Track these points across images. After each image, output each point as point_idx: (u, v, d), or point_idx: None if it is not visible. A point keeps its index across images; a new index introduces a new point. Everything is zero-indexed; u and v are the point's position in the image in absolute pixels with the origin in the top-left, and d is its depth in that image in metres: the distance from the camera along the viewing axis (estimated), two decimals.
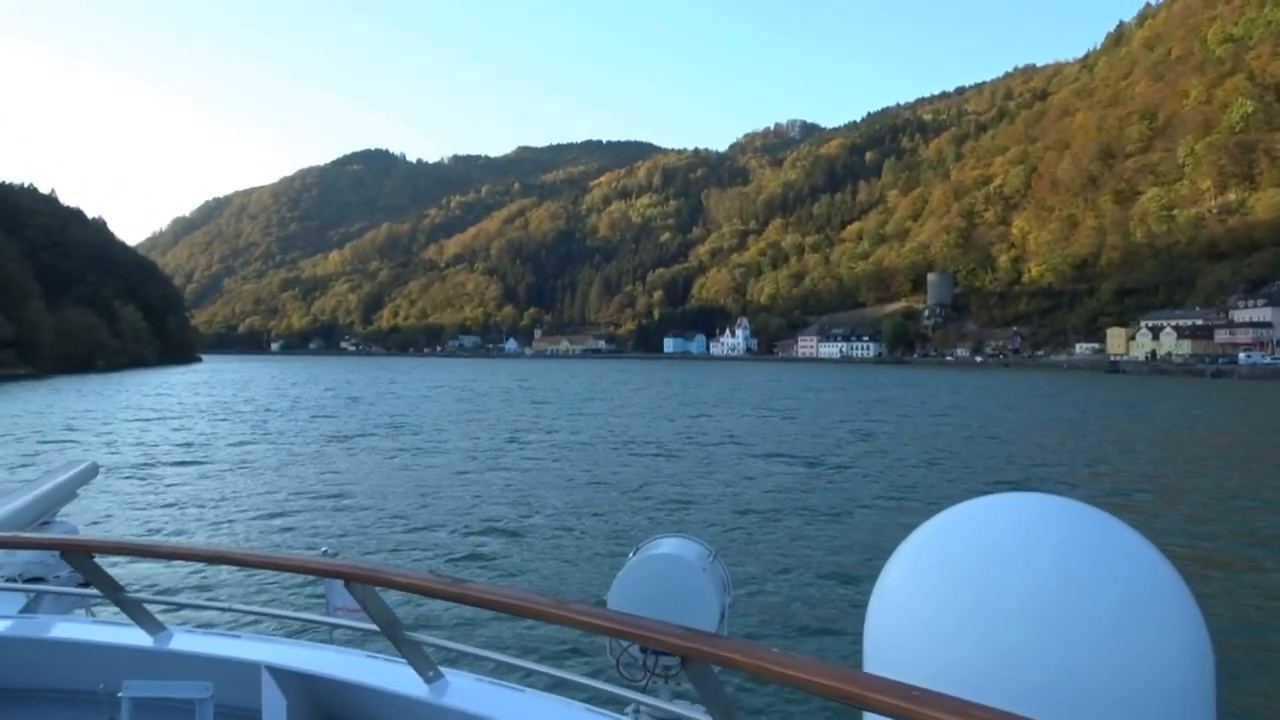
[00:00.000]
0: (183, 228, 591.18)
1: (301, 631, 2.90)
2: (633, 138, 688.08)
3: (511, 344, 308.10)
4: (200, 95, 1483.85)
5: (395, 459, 26.06)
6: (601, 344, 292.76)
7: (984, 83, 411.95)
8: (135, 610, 2.75)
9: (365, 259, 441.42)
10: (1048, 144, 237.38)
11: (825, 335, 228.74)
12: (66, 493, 4.20)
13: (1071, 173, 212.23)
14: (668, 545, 2.38)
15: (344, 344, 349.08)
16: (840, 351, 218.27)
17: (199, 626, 2.84)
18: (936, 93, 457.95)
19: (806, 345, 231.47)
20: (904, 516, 16.61)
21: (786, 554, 13.56)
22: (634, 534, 14.16)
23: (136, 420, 40.93)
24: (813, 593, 11.38)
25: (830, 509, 17.80)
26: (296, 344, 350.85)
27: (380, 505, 17.94)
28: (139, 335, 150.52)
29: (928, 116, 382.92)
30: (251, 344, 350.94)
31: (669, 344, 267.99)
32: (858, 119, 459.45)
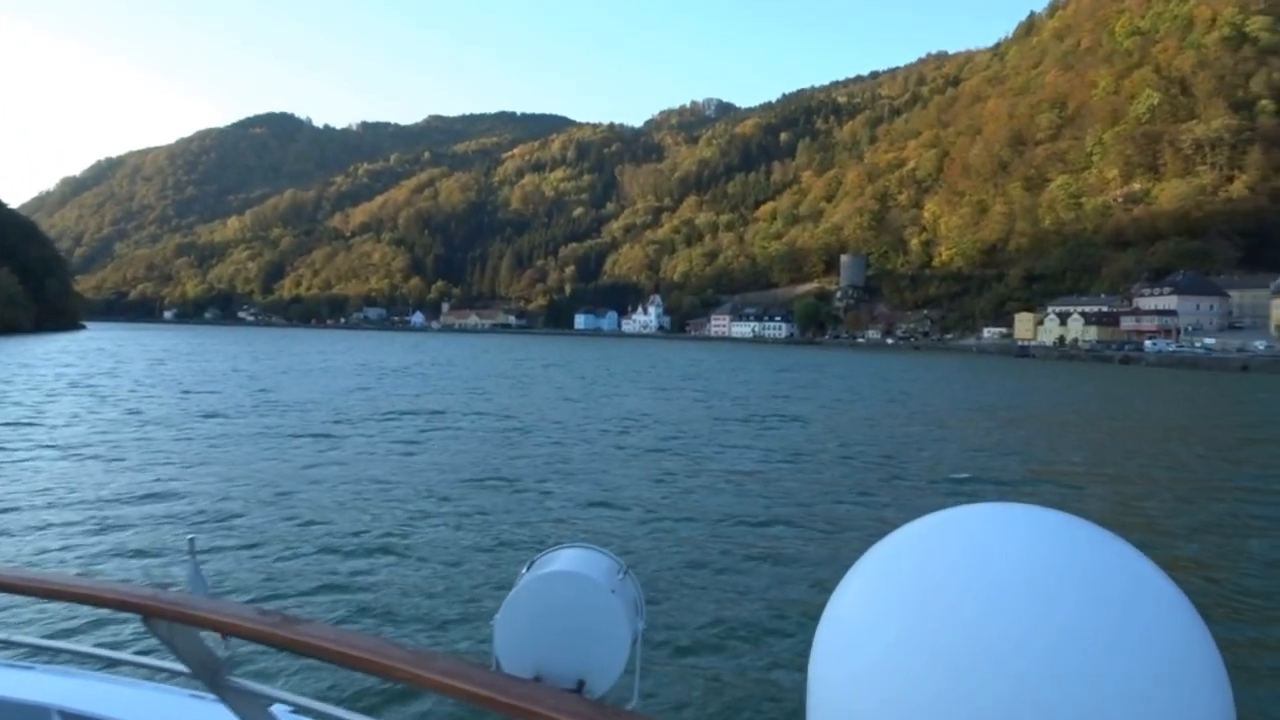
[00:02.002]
0: (72, 188, 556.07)
1: (110, 666, 2.54)
2: (547, 110, 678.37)
3: (418, 317, 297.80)
4: (91, 40, 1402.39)
5: (253, 448, 21.27)
6: (512, 319, 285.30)
7: (898, 68, 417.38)
8: None
9: (266, 226, 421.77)
10: (960, 129, 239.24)
11: (738, 314, 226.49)
12: None
13: (982, 158, 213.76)
14: (568, 558, 2.02)
15: (242, 314, 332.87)
16: (753, 331, 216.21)
17: None
18: (851, 76, 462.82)
19: (719, 324, 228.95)
20: (851, 519, 14.72)
21: (713, 567, 11.34)
22: (528, 544, 12.08)
23: None
24: (748, 617, 9.34)
25: (765, 511, 15.11)
26: (191, 313, 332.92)
27: (220, 507, 14.46)
28: (12, 300, 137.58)
29: (842, 99, 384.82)
30: (143, 312, 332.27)
31: (580, 320, 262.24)
32: (773, 99, 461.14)
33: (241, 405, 32.49)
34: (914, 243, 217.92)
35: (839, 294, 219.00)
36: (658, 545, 12.47)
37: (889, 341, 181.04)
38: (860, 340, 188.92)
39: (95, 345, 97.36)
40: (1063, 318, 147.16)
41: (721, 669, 7.97)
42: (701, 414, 33.65)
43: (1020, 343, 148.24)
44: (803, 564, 11.55)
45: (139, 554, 11.31)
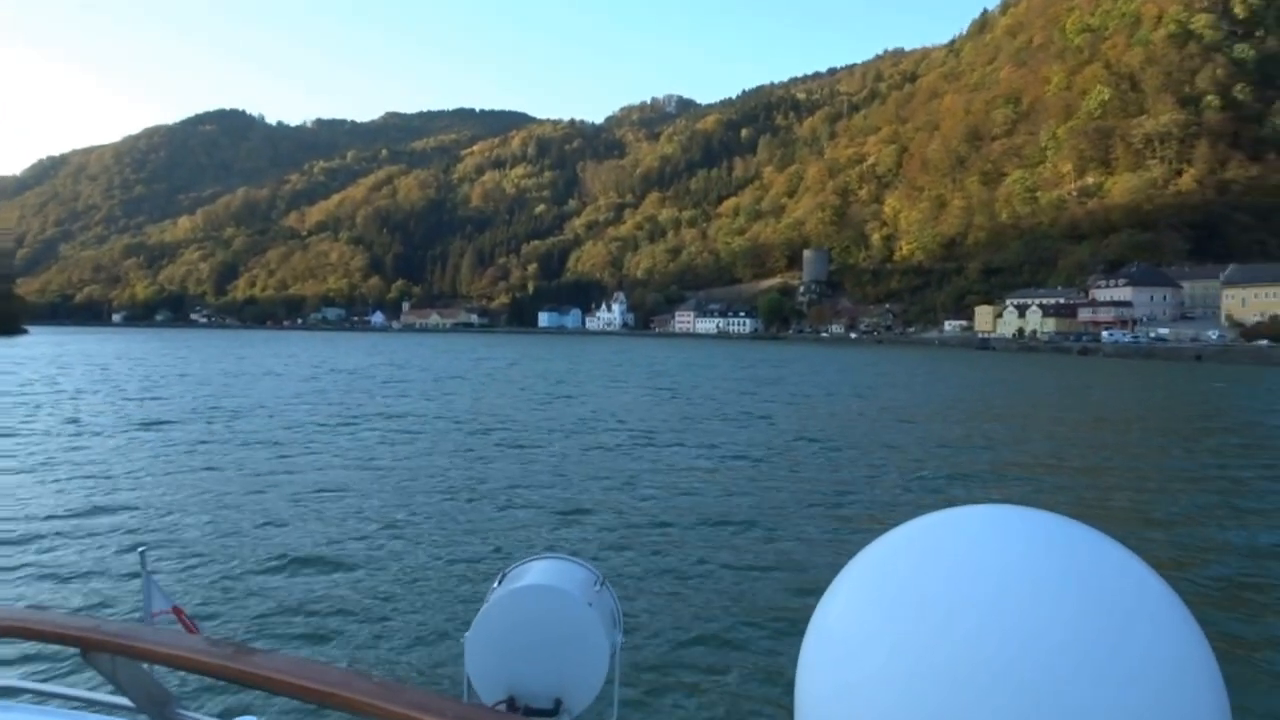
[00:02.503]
0: (12, 188, 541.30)
1: (43, 700, 2.16)
2: (507, 107, 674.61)
3: (378, 317, 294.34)
4: (31, 40, 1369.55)
5: (199, 459, 20.10)
6: (474, 318, 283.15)
7: (855, 64, 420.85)
8: None
9: (219, 225, 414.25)
10: (918, 125, 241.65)
11: (702, 310, 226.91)
12: None
13: (940, 154, 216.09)
14: (541, 571, 1.91)
15: (195, 316, 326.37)
16: (717, 327, 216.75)
17: None
18: (809, 73, 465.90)
19: (684, 320, 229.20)
20: (832, 521, 14.27)
21: (694, 575, 10.92)
22: (499, 556, 11.55)
23: None
24: (732, 627, 9.00)
25: (745, 514, 14.63)
26: (141, 315, 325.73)
27: (165, 522, 13.61)
28: None
29: (801, 95, 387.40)
30: (91, 315, 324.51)
31: (544, 318, 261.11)
32: (733, 96, 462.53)
33: (186, 412, 31.50)
34: (875, 237, 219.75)
35: (802, 289, 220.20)
36: (635, 553, 12.00)
37: (852, 336, 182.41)
38: (824, 335, 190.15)
39: (36, 350, 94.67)
40: (1021, 310, 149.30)
41: (705, 683, 7.71)
42: (671, 413, 33.36)
43: (981, 335, 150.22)
44: (787, 570, 11.24)
45: (84, 573, 10.66)
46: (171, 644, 1.53)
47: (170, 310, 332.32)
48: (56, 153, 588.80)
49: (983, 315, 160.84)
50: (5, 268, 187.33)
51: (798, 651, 0.88)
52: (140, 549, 2.60)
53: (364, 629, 8.89)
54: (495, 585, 1.83)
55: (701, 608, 9.64)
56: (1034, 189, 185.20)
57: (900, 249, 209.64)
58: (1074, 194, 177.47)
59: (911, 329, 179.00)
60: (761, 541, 12.78)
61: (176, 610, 2.94)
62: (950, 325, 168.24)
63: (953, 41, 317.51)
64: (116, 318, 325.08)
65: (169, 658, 1.52)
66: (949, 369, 75.29)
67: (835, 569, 0.87)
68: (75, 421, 28.09)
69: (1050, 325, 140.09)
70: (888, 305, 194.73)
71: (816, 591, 0.86)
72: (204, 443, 22.88)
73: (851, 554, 0.87)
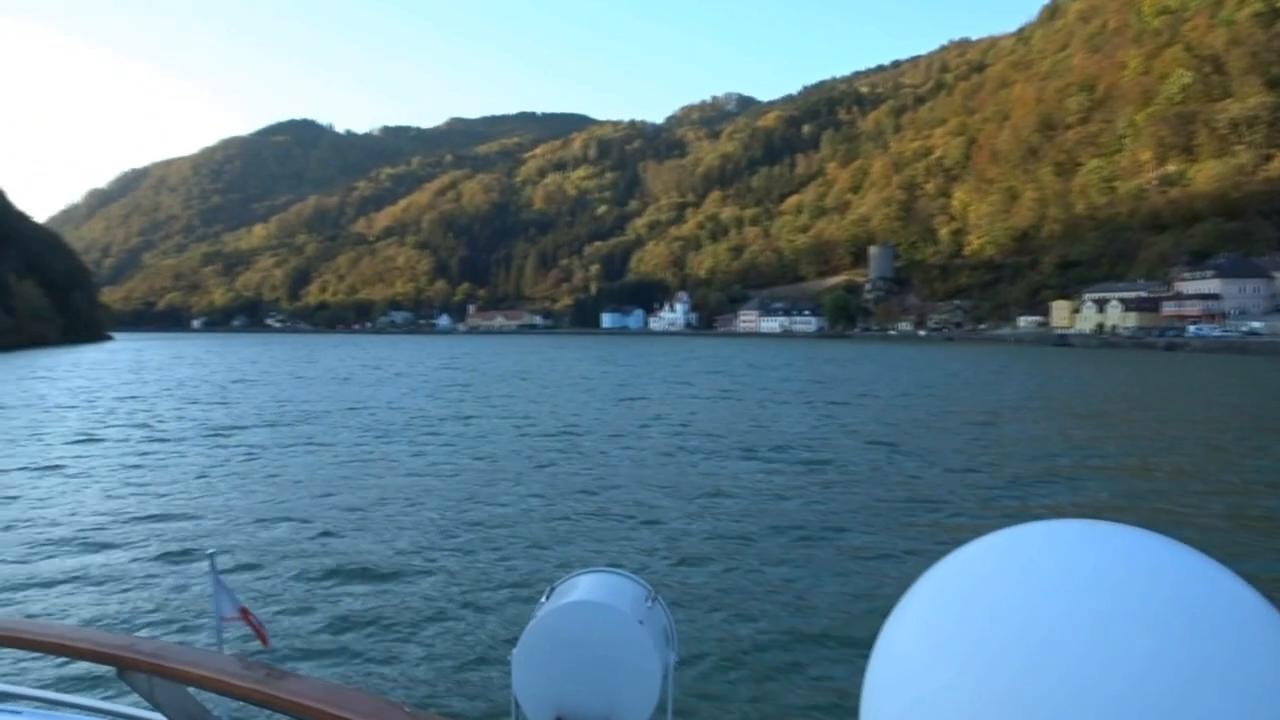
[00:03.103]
0: (98, 200, 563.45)
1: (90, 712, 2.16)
2: (568, 109, 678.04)
3: (444, 320, 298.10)
4: (118, 45, 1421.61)
5: (257, 462, 20.21)
6: (538, 319, 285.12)
7: (919, 56, 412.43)
8: None
9: (291, 232, 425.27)
10: (986, 116, 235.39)
11: (766, 309, 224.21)
12: None
13: (1011, 144, 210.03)
14: (591, 585, 1.84)
15: (270, 320, 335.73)
16: (781, 326, 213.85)
17: None
18: (872, 66, 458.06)
19: (747, 319, 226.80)
20: (905, 533, 13.21)
21: (753, 590, 10.30)
22: (548, 569, 11.18)
23: None
24: (792, 647, 8.51)
25: (811, 526, 13.65)
26: (219, 321, 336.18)
27: (219, 526, 13.66)
28: (38, 313, 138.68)
29: (864, 89, 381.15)
30: (172, 321, 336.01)
31: (606, 319, 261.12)
32: (794, 92, 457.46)
33: (254, 417, 31.80)
34: (943, 232, 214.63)
35: (868, 286, 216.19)
36: (690, 566, 11.37)
37: (921, 333, 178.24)
38: (892, 332, 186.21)
39: (118, 357, 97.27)
40: (1100, 304, 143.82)
41: (765, 706, 7.27)
42: (734, 416, 32.23)
43: (1057, 331, 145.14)
44: (853, 585, 10.53)
45: (152, 575, 10.84)
46: (203, 665, 1.53)
47: (246, 315, 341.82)
48: (139, 165, 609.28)
49: (1059, 310, 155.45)
50: (88, 280, 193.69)
51: (864, 672, 0.83)
52: (210, 552, 2.68)
53: (413, 643, 8.68)
54: (543, 600, 1.79)
55: (761, 625, 9.13)
56: (1111, 178, 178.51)
57: (970, 243, 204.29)
58: (1154, 183, 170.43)
59: (983, 326, 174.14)
60: (827, 554, 12.00)
61: (244, 612, 2.96)
62: (1024, 321, 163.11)
63: (1022, 29, 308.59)
64: (196, 323, 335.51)
65: (200, 679, 1.51)
66: (1026, 367, 72.45)
67: (904, 584, 0.83)
68: (146, 426, 28.37)
69: (1132, 320, 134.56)
70: (957, 301, 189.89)
71: (884, 608, 0.82)
72: (266, 448, 22.84)
73: (922, 569, 0.82)
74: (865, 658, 0.80)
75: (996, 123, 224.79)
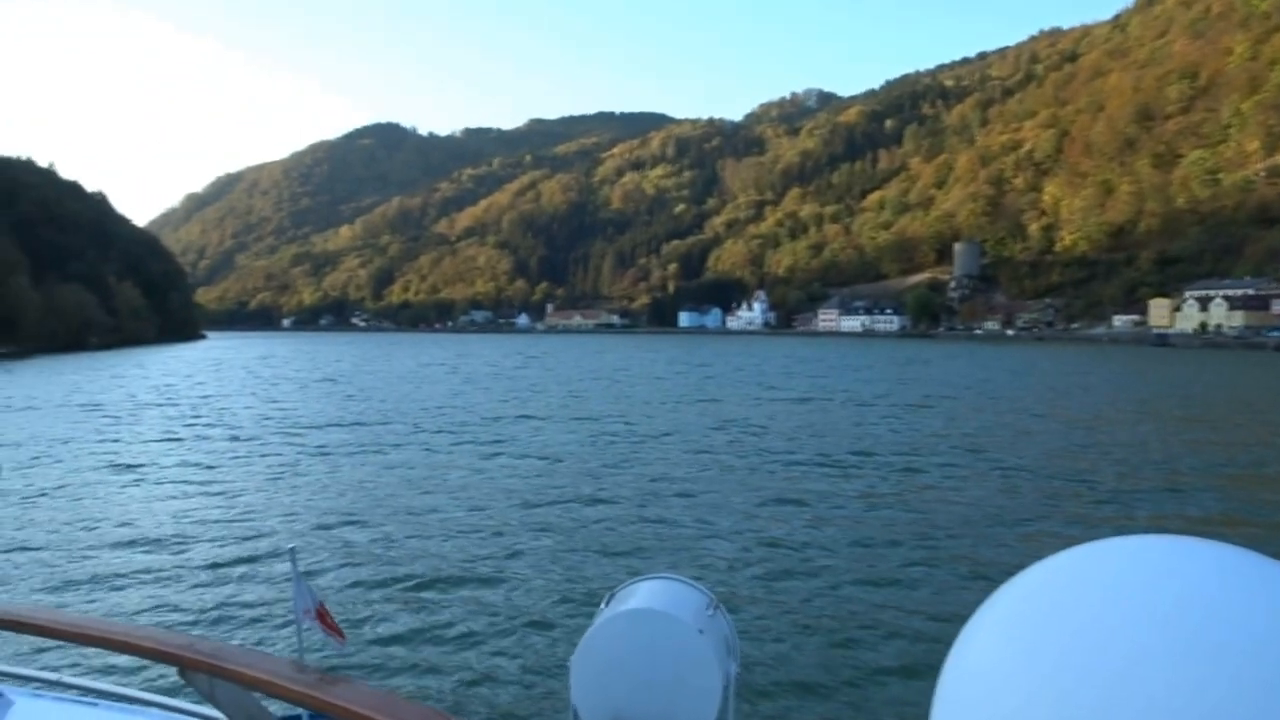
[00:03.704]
0: (195, 204, 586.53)
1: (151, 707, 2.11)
2: (646, 108, 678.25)
3: (523, 319, 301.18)
4: (217, 51, 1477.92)
5: (330, 461, 20.60)
6: (615, 318, 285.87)
7: (1007, 47, 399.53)
8: None
9: (376, 233, 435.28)
10: (1079, 107, 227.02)
11: (846, 308, 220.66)
12: None
13: (1106, 136, 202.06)
14: (650, 592, 1.80)
15: (354, 320, 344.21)
16: (862, 325, 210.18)
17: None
18: (957, 59, 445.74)
19: (827, 318, 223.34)
20: (991, 549, 12.45)
21: (820, 600, 10.04)
22: (608, 574, 10.96)
23: (78, 406, 33.95)
24: (860, 659, 8.28)
25: (883, 534, 13.19)
26: (307, 320, 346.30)
27: (289, 527, 13.79)
28: (136, 313, 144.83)
29: (949, 82, 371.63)
30: (263, 320, 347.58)
31: (684, 318, 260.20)
32: (876, 87, 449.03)
33: (339, 413, 32.67)
34: (1033, 228, 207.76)
35: (953, 284, 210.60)
36: (754, 572, 11.07)
37: (1009, 333, 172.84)
38: (977, 332, 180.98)
39: (210, 354, 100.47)
40: (1203, 303, 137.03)
41: None
42: (812, 419, 31.48)
43: (1156, 331, 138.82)
44: (926, 597, 10.12)
45: (235, 574, 11.14)
46: (258, 666, 1.55)
47: (333, 315, 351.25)
48: (234, 170, 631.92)
49: (1158, 309, 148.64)
50: (184, 281, 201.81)
51: (934, 688, 0.69)
52: (290, 548, 2.69)
53: (473, 646, 8.70)
54: (602, 607, 1.74)
55: (827, 636, 8.88)
56: (1215, 170, 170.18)
57: (1061, 239, 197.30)
58: (1262, 174, 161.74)
59: (1075, 325, 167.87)
60: (900, 564, 11.48)
61: (320, 611, 2.95)
62: (1120, 321, 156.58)
63: (1118, 16, 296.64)
64: (286, 322, 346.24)
65: (255, 680, 1.53)
66: (1124, 368, 69.32)
67: (980, 598, 0.80)
68: (223, 425, 28.88)
69: (1238, 319, 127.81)
70: (1048, 300, 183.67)
71: (958, 622, 0.79)
72: (340, 448, 22.80)
73: (998, 582, 0.78)
74: (937, 671, 0.79)
75: (1090, 114, 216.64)
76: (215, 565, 11.44)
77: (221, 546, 12.41)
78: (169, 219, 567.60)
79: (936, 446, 22.71)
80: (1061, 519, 14.19)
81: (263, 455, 21.59)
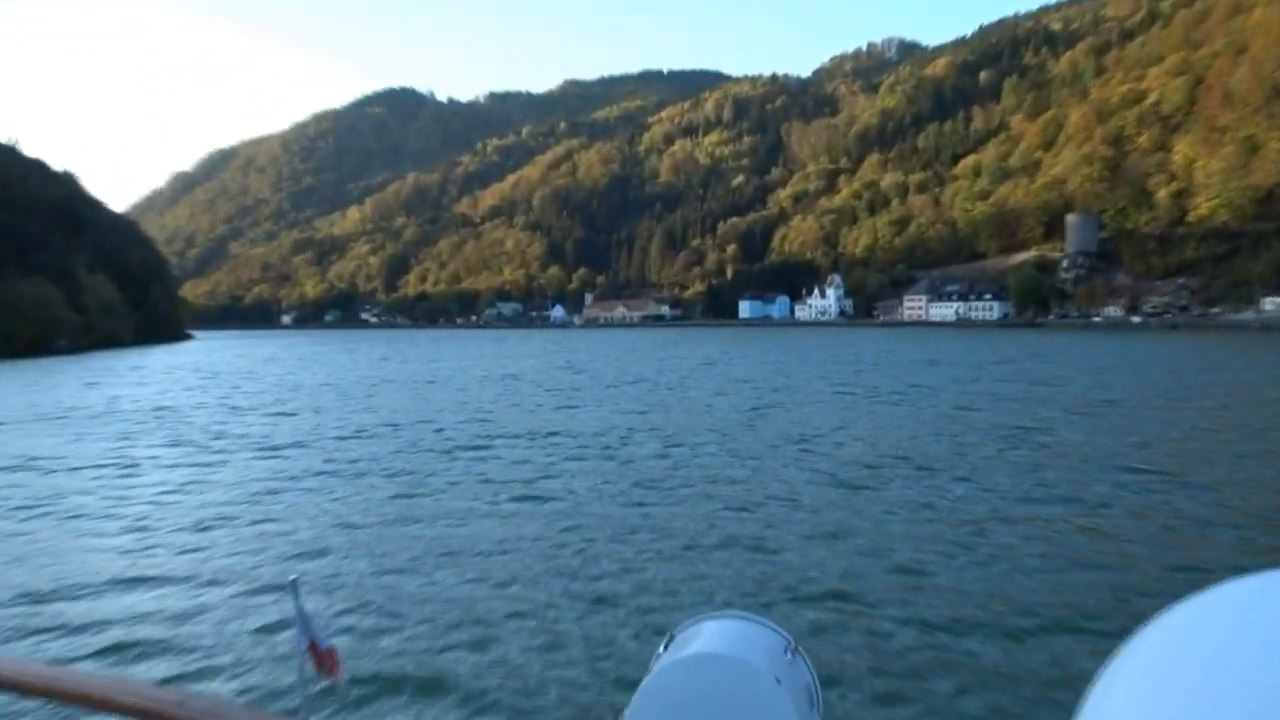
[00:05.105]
0: (183, 184, 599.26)
1: None
2: (698, 65, 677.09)
3: (558, 312, 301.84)
4: (199, 10, 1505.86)
5: (347, 485, 20.29)
6: (665, 310, 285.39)
7: None
8: None
9: (389, 215, 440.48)
10: (1216, 49, 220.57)
11: (937, 293, 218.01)
12: None
13: (1250, 84, 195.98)
14: (717, 633, 1.71)
15: (365, 315, 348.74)
16: (957, 313, 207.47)
17: None
18: None
19: (914, 306, 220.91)
20: (1125, 577, 12.01)
21: (920, 643, 9.72)
22: (669, 611, 10.85)
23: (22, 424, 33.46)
24: (966, 711, 8.19)
25: (1001, 562, 12.82)
26: (311, 316, 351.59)
27: (294, 552, 14.24)
28: (110, 309, 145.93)
29: (1056, 25, 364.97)
30: (260, 316, 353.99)
31: (745, 308, 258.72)
32: (967, 34, 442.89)
33: (323, 430, 32.32)
34: (1161, 194, 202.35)
35: (1065, 263, 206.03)
36: (839, 609, 10.85)
37: (1135, 320, 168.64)
38: (1096, 319, 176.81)
39: (192, 360, 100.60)
40: None
41: None
42: (912, 428, 29.84)
43: None
44: (1049, 640, 9.75)
45: (229, 604, 11.51)
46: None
47: (340, 309, 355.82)
48: (226, 145, 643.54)
49: None
50: (167, 273, 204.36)
51: None
52: (292, 579, 2.82)
53: (510, 698, 8.63)
54: (661, 650, 1.70)
55: (929, 686, 8.67)
56: None
57: (1196, 208, 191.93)
58: None
59: (1215, 310, 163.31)
60: (1019, 602, 11.03)
61: (323, 652, 3.00)
62: (1271, 304, 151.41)
63: None
64: (286, 319, 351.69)
65: None
66: None
67: (1112, 645, 0.70)
68: (219, 438, 29.08)
69: None
70: (1181, 280, 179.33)
71: (1089, 672, 0.68)
72: (356, 466, 22.86)
73: (1139, 623, 0.68)
74: None
75: (1229, 57, 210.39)
76: (210, 602, 11.62)
77: (216, 579, 12.62)
78: (154, 202, 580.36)
79: (1069, 461, 20.94)
80: (1233, 546, 12.59)
81: (253, 475, 21.66)
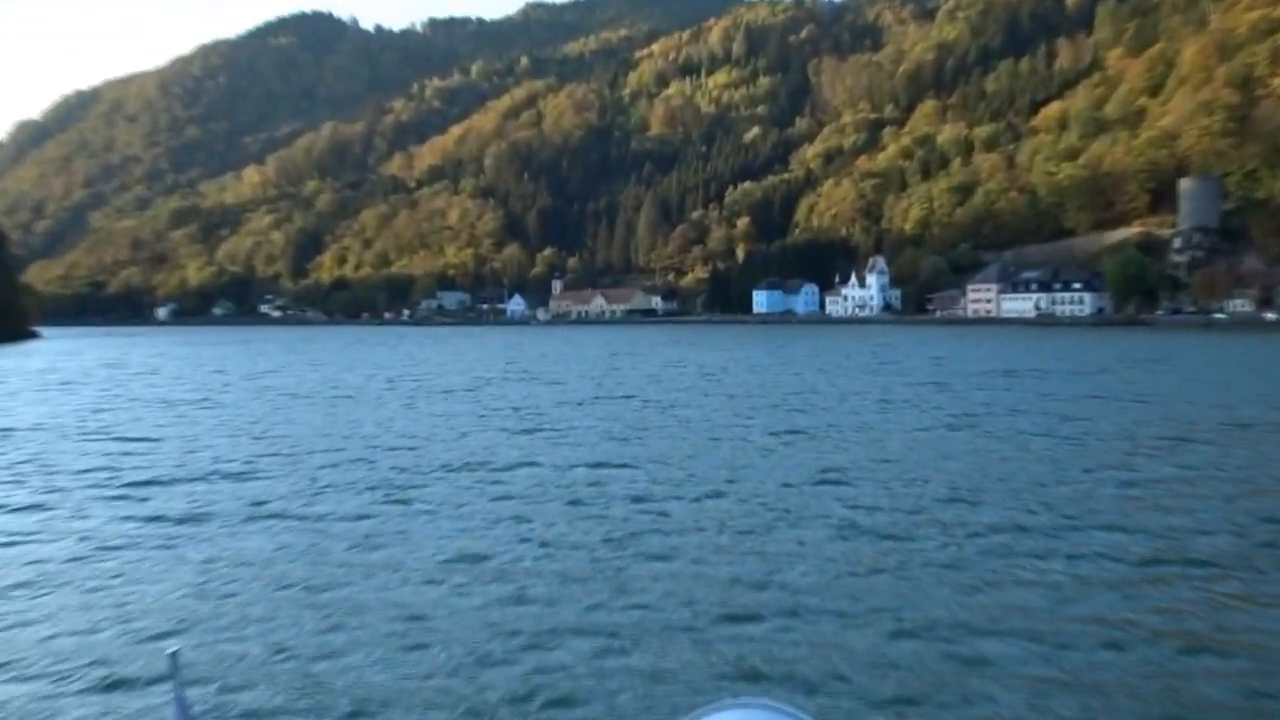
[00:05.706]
0: (29, 136, 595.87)
1: None
2: None
3: (517, 304, 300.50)
4: None
5: (225, 529, 22.21)
6: (656, 302, 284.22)
7: None
8: None
9: (297, 178, 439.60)
10: None
11: (1011, 282, 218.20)
12: None
13: None
14: None
15: (265, 307, 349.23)
16: (1037, 306, 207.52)
17: None
18: None
19: (981, 297, 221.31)
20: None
21: None
22: (675, 698, 11.93)
23: None
24: None
25: (1087, 645, 13.77)
26: (195, 308, 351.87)
27: (206, 614, 15.88)
28: None
29: None
30: (129, 309, 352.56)
31: (760, 299, 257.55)
32: None
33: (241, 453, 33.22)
34: None
35: (1178, 242, 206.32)
36: (876, 697, 11.90)
37: (1269, 316, 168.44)
38: (1219, 315, 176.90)
39: (37, 366, 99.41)
40: None
41: None
42: (985, 463, 30.40)
43: None
44: None
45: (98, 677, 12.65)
46: None
47: (233, 300, 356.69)
48: (86, 86, 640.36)
49: None
50: (6, 252, 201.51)
51: None
52: (171, 650, 2.92)
53: None
54: None
55: None
56: None
57: None
58: None
59: None
60: (1100, 683, 12.38)
61: None
62: None
63: None
64: (162, 312, 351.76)
65: None
66: None
67: None
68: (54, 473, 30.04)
69: None
70: None
71: None
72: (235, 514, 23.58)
73: None
74: None
75: None
76: (68, 676, 12.68)
77: (78, 651, 13.58)
78: None
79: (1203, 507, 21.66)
80: None
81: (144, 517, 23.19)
